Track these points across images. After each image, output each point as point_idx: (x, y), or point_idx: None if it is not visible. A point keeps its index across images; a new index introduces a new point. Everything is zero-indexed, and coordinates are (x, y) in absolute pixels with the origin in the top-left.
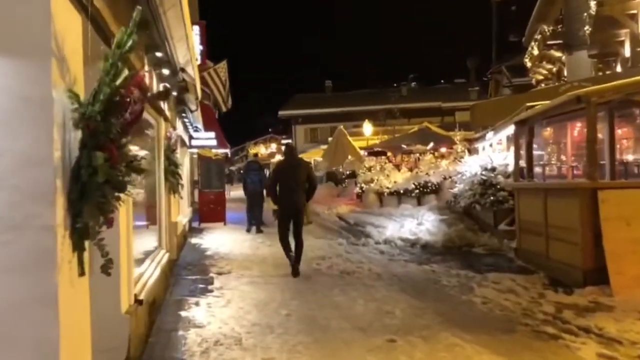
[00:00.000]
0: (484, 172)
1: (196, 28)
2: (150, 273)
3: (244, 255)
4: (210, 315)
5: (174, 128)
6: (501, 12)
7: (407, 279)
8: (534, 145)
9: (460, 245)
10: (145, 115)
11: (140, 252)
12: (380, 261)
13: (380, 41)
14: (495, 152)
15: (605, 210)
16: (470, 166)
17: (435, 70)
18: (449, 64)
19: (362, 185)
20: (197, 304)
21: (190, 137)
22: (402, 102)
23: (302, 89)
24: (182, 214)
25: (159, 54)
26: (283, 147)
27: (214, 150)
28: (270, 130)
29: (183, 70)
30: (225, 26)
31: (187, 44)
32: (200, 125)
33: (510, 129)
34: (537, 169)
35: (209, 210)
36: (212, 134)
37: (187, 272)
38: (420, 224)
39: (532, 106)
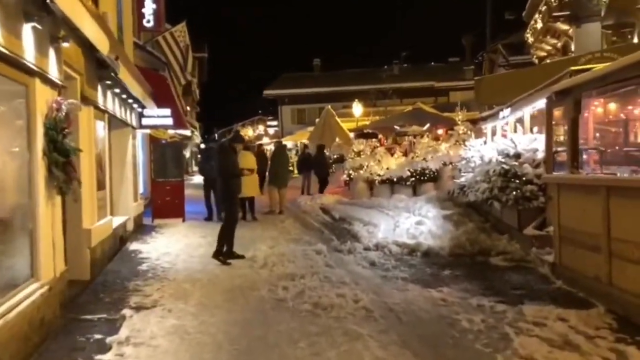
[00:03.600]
0: (504, 160)
1: None
2: None
3: (189, 272)
4: None
5: (85, 99)
6: None
7: (409, 317)
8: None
9: (473, 252)
10: None
11: None
12: (371, 281)
13: (372, 18)
14: (512, 133)
15: None
16: (481, 151)
17: (429, 49)
18: (442, 42)
19: (351, 172)
20: None
21: (141, 115)
22: (393, 81)
23: (291, 69)
24: (122, 212)
25: None
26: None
27: (170, 131)
28: (259, 112)
29: None
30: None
31: None
32: (139, 96)
33: (538, 104)
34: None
35: (164, 204)
36: (167, 111)
37: (91, 306)
38: (420, 222)
39: (579, 71)
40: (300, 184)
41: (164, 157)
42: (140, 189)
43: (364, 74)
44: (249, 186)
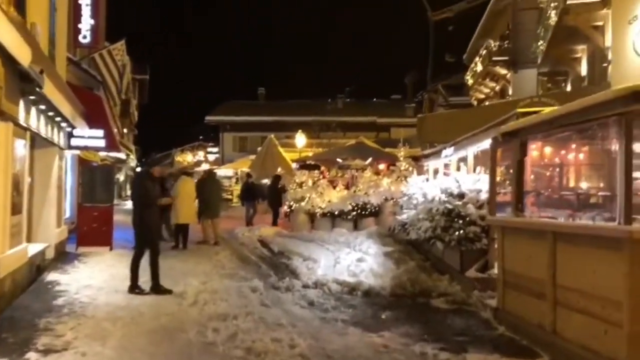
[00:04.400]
0: (447, 199)
1: None
2: None
3: (111, 308)
4: None
5: (2, 113)
6: (439, 30)
7: None
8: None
9: (414, 293)
10: None
11: None
12: (309, 324)
13: (319, 53)
14: (456, 172)
15: None
16: (423, 189)
17: (372, 85)
18: (385, 79)
19: (292, 203)
20: None
21: (70, 135)
22: (337, 114)
23: (236, 96)
24: (42, 239)
25: None
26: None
27: (102, 154)
28: (200, 137)
29: None
30: (160, 26)
31: None
32: (68, 115)
33: (483, 144)
34: (534, 200)
35: (91, 231)
36: (99, 132)
37: None
38: (361, 259)
39: (526, 113)
40: (243, 214)
41: (93, 180)
42: (67, 214)
43: (308, 106)
44: (186, 213)
